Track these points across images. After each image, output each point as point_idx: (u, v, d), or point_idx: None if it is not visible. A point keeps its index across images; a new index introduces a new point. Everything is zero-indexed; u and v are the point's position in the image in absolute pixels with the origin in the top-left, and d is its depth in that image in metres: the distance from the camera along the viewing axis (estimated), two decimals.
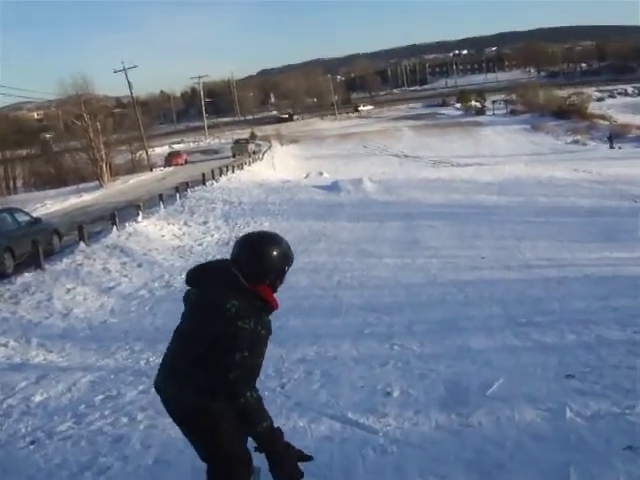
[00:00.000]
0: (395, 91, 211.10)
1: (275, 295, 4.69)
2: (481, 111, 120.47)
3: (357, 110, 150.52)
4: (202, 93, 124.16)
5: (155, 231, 23.96)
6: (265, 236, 4.75)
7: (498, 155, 67.51)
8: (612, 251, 18.83)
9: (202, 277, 4.69)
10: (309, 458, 4.52)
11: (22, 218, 21.44)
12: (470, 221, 24.87)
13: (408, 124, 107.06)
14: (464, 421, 7.06)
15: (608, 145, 68.81)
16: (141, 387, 9.13)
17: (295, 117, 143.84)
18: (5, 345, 12.25)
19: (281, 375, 9.13)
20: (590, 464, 5.72)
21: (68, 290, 16.16)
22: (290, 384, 8.72)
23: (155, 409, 8.05)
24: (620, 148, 66.37)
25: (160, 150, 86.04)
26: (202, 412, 4.28)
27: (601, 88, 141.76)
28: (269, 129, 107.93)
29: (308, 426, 7.23)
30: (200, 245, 22.68)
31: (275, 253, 4.54)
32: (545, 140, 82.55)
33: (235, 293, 4.32)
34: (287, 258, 4.71)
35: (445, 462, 6.06)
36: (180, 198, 31.41)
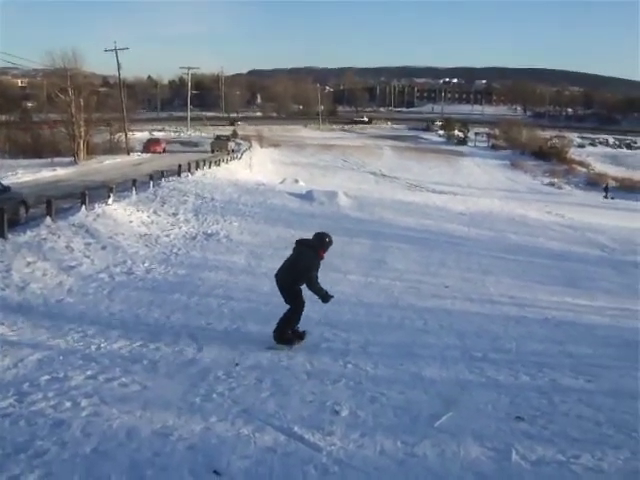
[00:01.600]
0: (381, 110, 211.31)
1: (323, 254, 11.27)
2: (463, 141, 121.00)
3: (370, 122, 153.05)
4: (190, 84, 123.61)
5: (124, 216, 23.71)
6: (324, 233, 11.54)
7: (474, 187, 67.95)
8: (574, 297, 19.01)
9: (300, 241, 11.41)
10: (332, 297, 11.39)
11: None
12: (438, 248, 24.97)
13: (389, 144, 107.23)
14: (409, 450, 7.03)
15: (603, 194, 69.27)
16: (89, 372, 8.98)
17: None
18: None
19: (231, 379, 9.05)
20: None
21: (28, 263, 15.90)
22: (239, 389, 8.64)
23: (100, 397, 7.94)
24: (613, 198, 66.89)
25: (140, 135, 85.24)
26: (289, 287, 11.03)
27: (583, 135, 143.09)
28: (251, 129, 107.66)
29: (252, 434, 7.16)
30: (167, 236, 22.48)
31: (327, 240, 11.35)
32: (522, 178, 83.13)
33: (311, 250, 11.09)
34: (329, 243, 11.42)
35: None
36: (153, 186, 31.09)
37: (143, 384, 8.62)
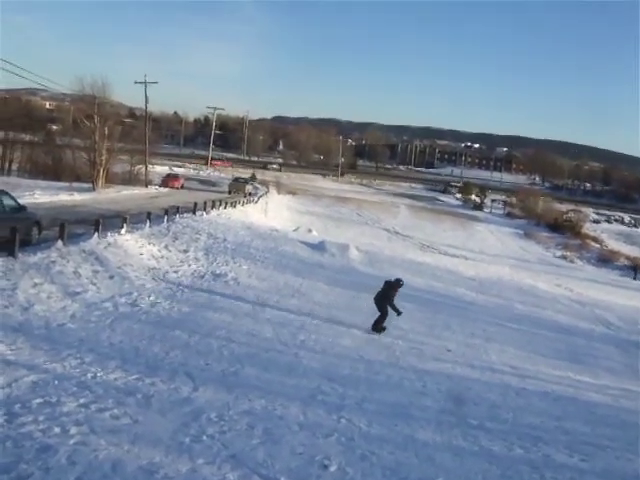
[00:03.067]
0: (401, 167, 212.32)
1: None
2: (479, 206, 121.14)
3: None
4: (214, 124, 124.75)
5: (135, 247, 23.74)
6: (398, 279, 20.64)
7: (486, 253, 67.80)
8: (576, 373, 18.90)
9: (386, 282, 20.36)
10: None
11: (7, 202, 21.12)
12: (444, 311, 24.91)
13: (406, 202, 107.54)
14: None
15: (633, 276, 68.50)
16: (82, 400, 8.95)
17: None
18: None
19: (223, 422, 8.99)
20: None
21: (35, 285, 15.91)
22: (230, 434, 8.58)
23: (90, 426, 7.89)
24: None
25: (160, 169, 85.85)
26: (380, 304, 19.81)
27: (599, 211, 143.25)
28: (270, 175, 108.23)
29: None
30: (175, 272, 22.47)
31: (400, 282, 20.29)
32: (535, 249, 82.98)
33: (391, 287, 19.95)
34: (401, 284, 20.24)
35: None
36: (167, 221, 31.14)
37: (134, 418, 8.58)
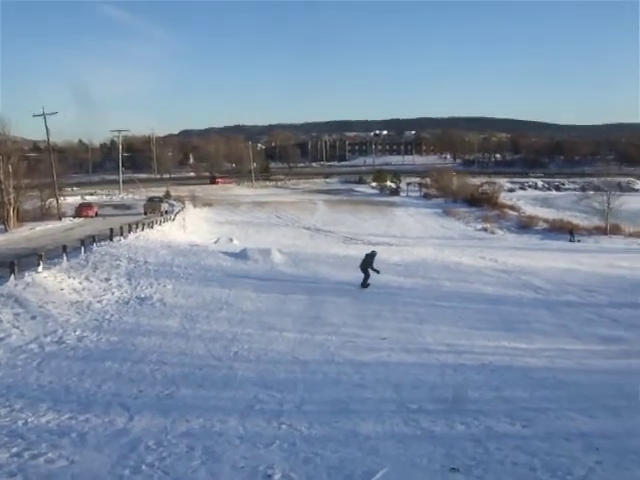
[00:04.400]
0: (314, 164, 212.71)
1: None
2: (395, 192, 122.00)
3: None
4: (121, 147, 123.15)
5: (54, 283, 23.29)
6: (373, 251, 29.79)
7: (408, 236, 68.30)
8: (510, 341, 19.13)
9: (366, 254, 29.21)
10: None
11: None
12: (374, 301, 24.93)
13: (323, 198, 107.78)
14: None
15: (569, 238, 69.62)
16: (14, 449, 8.70)
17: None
18: None
19: (162, 448, 8.84)
20: None
21: None
22: (170, 459, 8.44)
23: (24, 475, 7.69)
24: (579, 241, 67.54)
25: (72, 200, 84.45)
26: (364, 269, 28.15)
27: (513, 179, 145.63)
28: (184, 190, 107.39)
29: None
30: (99, 302, 22.08)
31: (374, 252, 29.33)
32: (455, 225, 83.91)
33: (369, 257, 28.51)
34: (375, 254, 29.16)
35: None
36: (85, 252, 30.66)
37: (70, 458, 8.38)
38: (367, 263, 28.21)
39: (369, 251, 29.69)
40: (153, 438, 9.19)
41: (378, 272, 28.05)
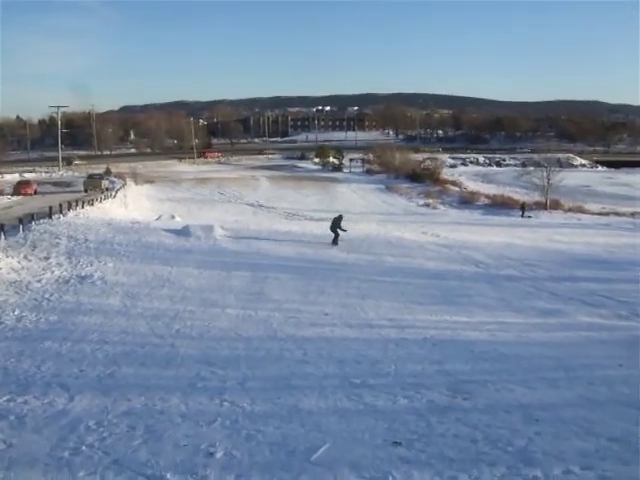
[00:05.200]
0: (256, 140, 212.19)
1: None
2: (338, 168, 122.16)
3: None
4: (60, 123, 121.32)
5: None
6: (339, 215, 35.92)
7: (352, 212, 68.19)
8: (452, 315, 19.28)
9: (334, 217, 35.45)
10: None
11: None
12: (317, 276, 24.95)
13: (266, 174, 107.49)
14: None
15: (520, 213, 70.03)
16: None
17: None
18: None
19: (103, 428, 8.72)
20: None
21: None
22: (111, 439, 8.33)
23: None
24: (530, 217, 67.85)
25: (10, 177, 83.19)
26: (334, 229, 34.13)
27: (455, 155, 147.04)
28: (125, 166, 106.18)
29: None
30: (39, 282, 21.71)
31: (341, 216, 35.99)
32: (398, 201, 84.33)
33: (337, 220, 34.67)
34: (341, 217, 35.41)
35: None
36: (23, 230, 30.18)
37: (8, 442, 8.20)
38: (335, 225, 34.10)
39: (337, 215, 36.19)
40: (94, 418, 9.07)
41: (345, 230, 34.27)
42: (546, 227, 54.95)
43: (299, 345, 14.49)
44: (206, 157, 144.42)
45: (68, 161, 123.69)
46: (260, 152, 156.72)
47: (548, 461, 7.83)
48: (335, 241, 33.41)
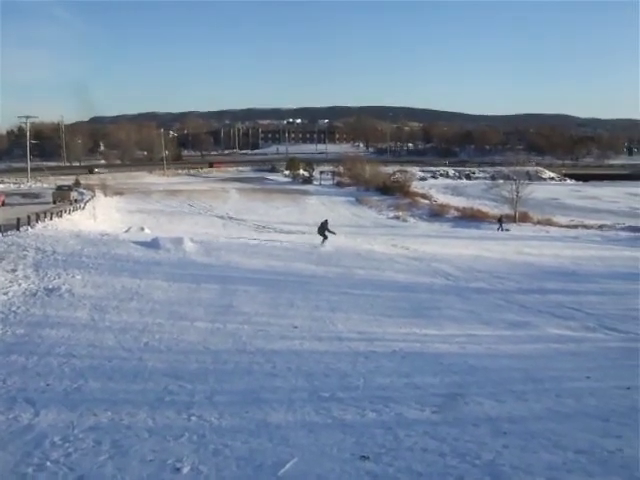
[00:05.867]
0: (226, 152, 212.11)
1: None
2: (308, 180, 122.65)
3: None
4: (28, 134, 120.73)
5: None
6: (325, 220, 41.10)
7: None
8: (421, 327, 19.31)
9: (321, 222, 40.81)
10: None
11: None
12: (287, 289, 24.88)
13: (236, 186, 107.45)
14: None
15: (497, 226, 70.05)
16: None
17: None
18: None
19: (68, 444, 8.61)
20: None
21: None
22: (76, 454, 8.22)
23: None
24: (508, 230, 68.17)
25: None
26: (322, 233, 39.49)
27: (425, 168, 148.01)
28: (94, 178, 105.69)
29: None
30: (5, 294, 21.43)
31: (327, 220, 41.27)
32: (368, 214, 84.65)
33: (324, 224, 40.00)
34: (327, 222, 40.60)
35: None
36: None
37: None
38: (323, 228, 39.56)
39: (323, 220, 41.76)
40: (59, 434, 8.97)
41: (334, 233, 39.75)
42: (515, 239, 55.38)
43: (268, 358, 14.44)
44: (219, 167, 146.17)
45: (90, 169, 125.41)
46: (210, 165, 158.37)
47: (516, 474, 7.85)
48: (323, 242, 38.53)
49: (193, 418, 9.86)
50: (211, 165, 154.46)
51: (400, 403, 10.95)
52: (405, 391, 11.93)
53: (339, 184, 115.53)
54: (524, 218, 76.53)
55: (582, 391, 12.20)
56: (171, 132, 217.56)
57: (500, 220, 71.91)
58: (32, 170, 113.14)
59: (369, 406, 10.72)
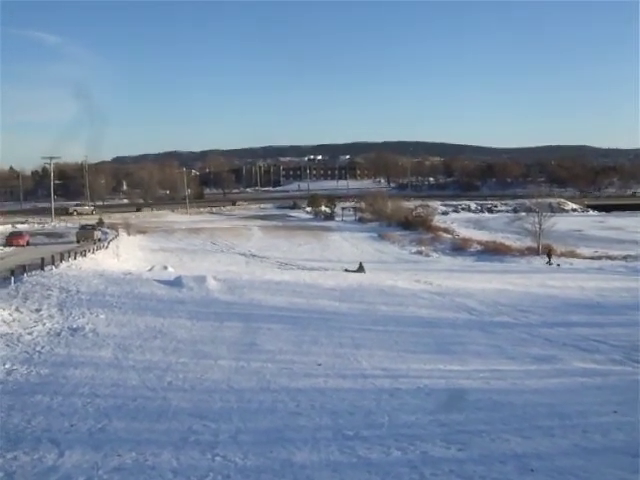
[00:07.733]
0: (248, 190, 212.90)
1: None
2: (330, 216, 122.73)
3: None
4: (52, 174, 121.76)
5: None
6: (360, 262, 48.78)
7: (344, 261, 68.17)
8: (446, 363, 19.18)
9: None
10: None
11: None
12: (310, 326, 24.81)
13: (258, 224, 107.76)
14: None
15: (546, 261, 68.52)
16: None
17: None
18: None
19: None
20: None
21: None
22: None
23: None
24: (559, 265, 65.92)
25: (2, 229, 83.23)
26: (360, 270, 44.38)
27: (446, 202, 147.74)
28: (118, 217, 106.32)
29: None
30: (30, 334, 21.58)
31: (360, 263, 49.57)
32: (390, 249, 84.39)
33: (360, 266, 47.51)
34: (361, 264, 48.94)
35: None
36: (15, 282, 30.14)
37: None
38: (360, 269, 48.26)
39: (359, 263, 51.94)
40: (84, 474, 8.98)
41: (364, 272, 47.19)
42: (539, 272, 55.00)
43: (292, 397, 14.39)
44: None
45: (137, 207, 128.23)
46: (234, 203, 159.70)
47: None
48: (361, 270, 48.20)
49: (217, 458, 9.83)
50: (234, 203, 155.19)
51: (425, 441, 10.85)
52: (430, 428, 11.83)
53: (361, 220, 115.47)
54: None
55: (609, 426, 12.05)
56: (193, 170, 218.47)
57: (549, 254, 70.41)
58: (56, 210, 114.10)
59: (394, 444, 10.63)
